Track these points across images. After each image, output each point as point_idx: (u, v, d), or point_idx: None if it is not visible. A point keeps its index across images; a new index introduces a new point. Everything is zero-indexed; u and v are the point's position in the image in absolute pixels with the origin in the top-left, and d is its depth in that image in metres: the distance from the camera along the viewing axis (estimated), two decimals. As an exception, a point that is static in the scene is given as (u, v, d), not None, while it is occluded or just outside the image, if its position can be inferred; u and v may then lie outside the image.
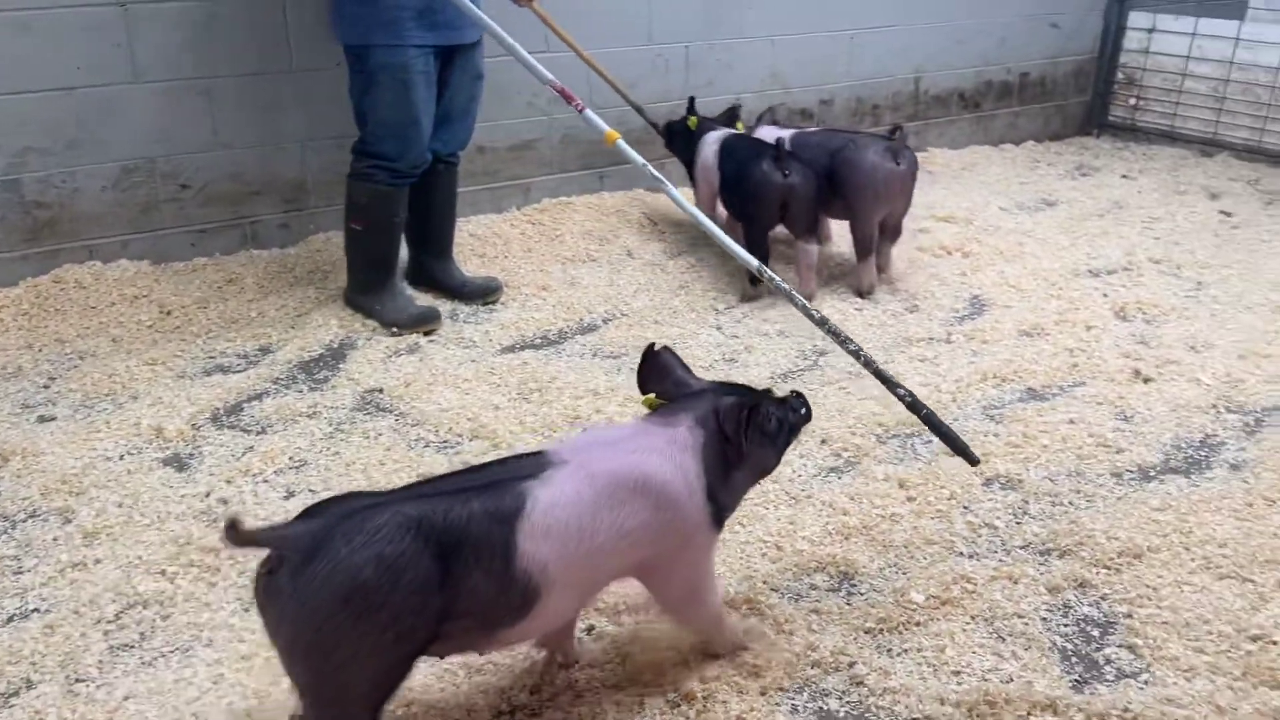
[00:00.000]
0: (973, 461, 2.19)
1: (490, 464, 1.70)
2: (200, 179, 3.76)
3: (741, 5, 4.76)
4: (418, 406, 2.91)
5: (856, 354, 2.32)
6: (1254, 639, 2.01)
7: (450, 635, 1.54)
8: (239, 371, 3.11)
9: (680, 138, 4.25)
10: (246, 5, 3.67)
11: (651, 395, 1.84)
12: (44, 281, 3.49)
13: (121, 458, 2.64)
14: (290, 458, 2.67)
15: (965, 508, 2.46)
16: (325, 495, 2.41)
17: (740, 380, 2.23)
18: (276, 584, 1.45)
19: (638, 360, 1.87)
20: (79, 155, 3.54)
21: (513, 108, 4.33)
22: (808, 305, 2.46)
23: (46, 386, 2.99)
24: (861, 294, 3.72)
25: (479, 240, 4.15)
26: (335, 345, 3.31)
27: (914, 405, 2.22)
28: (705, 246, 4.20)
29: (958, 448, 2.17)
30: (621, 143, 3.06)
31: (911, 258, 4.06)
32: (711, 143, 3.98)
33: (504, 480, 1.59)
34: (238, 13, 3.66)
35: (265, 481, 2.56)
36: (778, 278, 2.57)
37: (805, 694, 1.90)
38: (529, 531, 1.55)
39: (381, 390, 3.01)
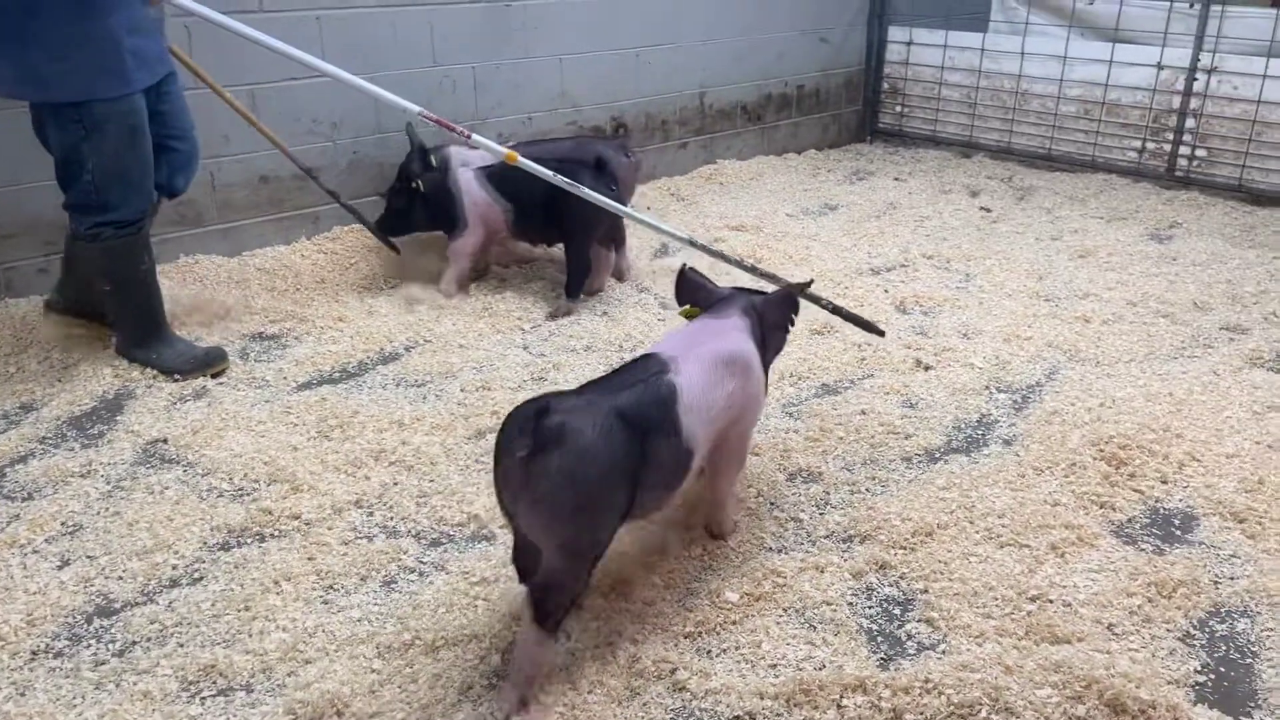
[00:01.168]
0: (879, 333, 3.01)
1: (624, 370, 2.08)
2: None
3: (527, 26, 4.77)
4: (208, 454, 2.73)
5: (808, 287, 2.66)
6: (1033, 599, 2.19)
7: (641, 502, 1.96)
8: (-3, 434, 2.83)
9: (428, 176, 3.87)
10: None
11: (688, 306, 2.41)
12: None
13: None
14: (63, 523, 2.44)
15: (772, 504, 2.55)
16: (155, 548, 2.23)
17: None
18: (544, 465, 1.78)
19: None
20: None
21: (296, 134, 4.16)
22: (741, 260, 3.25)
23: None
24: (593, 291, 3.95)
25: (267, 274, 3.96)
26: (110, 396, 3.06)
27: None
28: (506, 267, 4.19)
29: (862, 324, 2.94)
30: (523, 160, 3.27)
31: (709, 265, 4.18)
32: (472, 175, 3.83)
33: (652, 375, 2.02)
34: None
35: (35, 552, 2.33)
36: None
37: (633, 705, 1.91)
38: (684, 410, 2.01)
39: (166, 440, 2.81)
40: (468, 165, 3.85)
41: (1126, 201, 5.18)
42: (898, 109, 6.46)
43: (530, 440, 1.77)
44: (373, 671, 1.97)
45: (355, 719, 1.86)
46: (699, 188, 5.45)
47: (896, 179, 5.69)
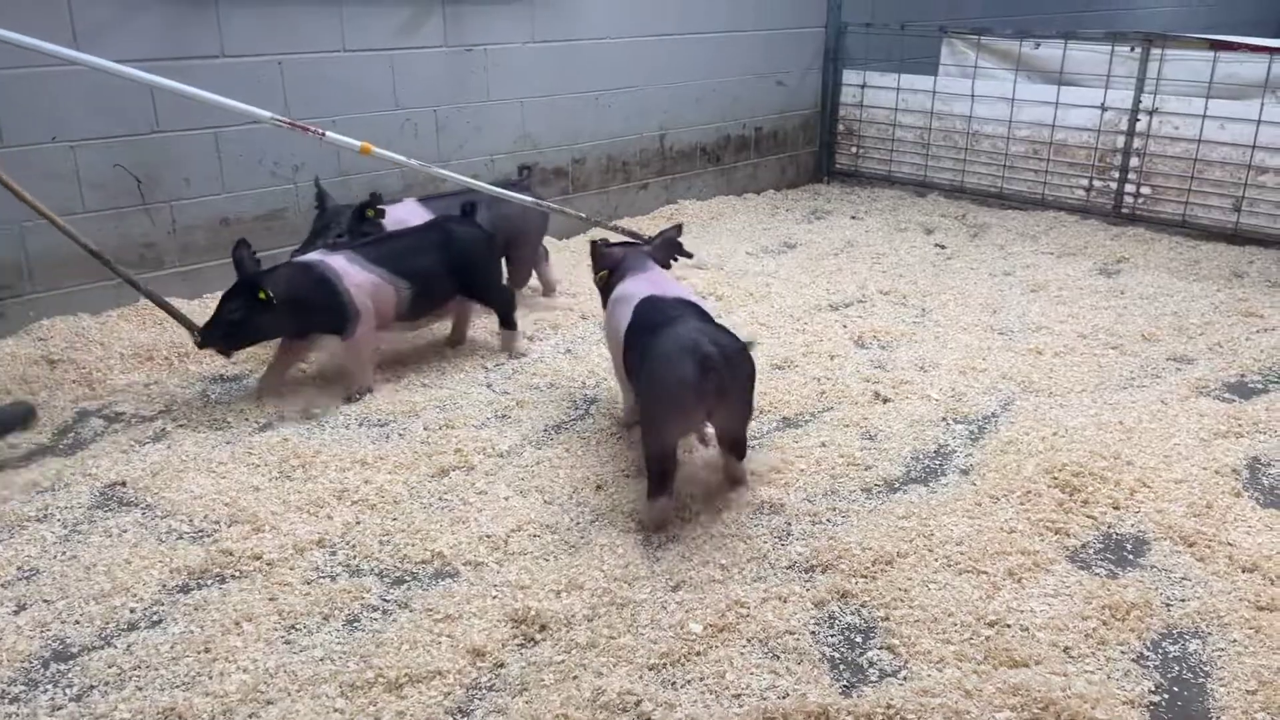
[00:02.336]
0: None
1: (683, 307, 2.75)
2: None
3: (489, 68, 4.85)
4: (167, 496, 2.71)
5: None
6: (990, 624, 2.23)
7: None
8: (-50, 479, 2.78)
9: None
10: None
11: (603, 272, 3.08)
12: None
13: None
14: (19, 568, 2.41)
15: (735, 536, 2.57)
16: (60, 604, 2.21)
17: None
18: (741, 359, 2.61)
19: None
20: None
21: (258, 177, 4.18)
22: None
23: None
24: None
25: (229, 316, 3.94)
26: (68, 440, 3.03)
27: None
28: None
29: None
30: (377, 150, 3.36)
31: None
32: (344, 260, 3.32)
33: (689, 309, 2.76)
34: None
35: (-12, 598, 2.30)
36: None
37: (596, 739, 1.91)
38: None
39: (124, 483, 2.78)
40: (334, 255, 3.31)
41: (1075, 238, 5.32)
42: (853, 149, 6.61)
43: (748, 358, 2.63)
44: (335, 710, 1.96)
45: (318, 759, 1.84)
46: (660, 228, 5.50)
47: (853, 217, 5.81)
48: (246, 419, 3.19)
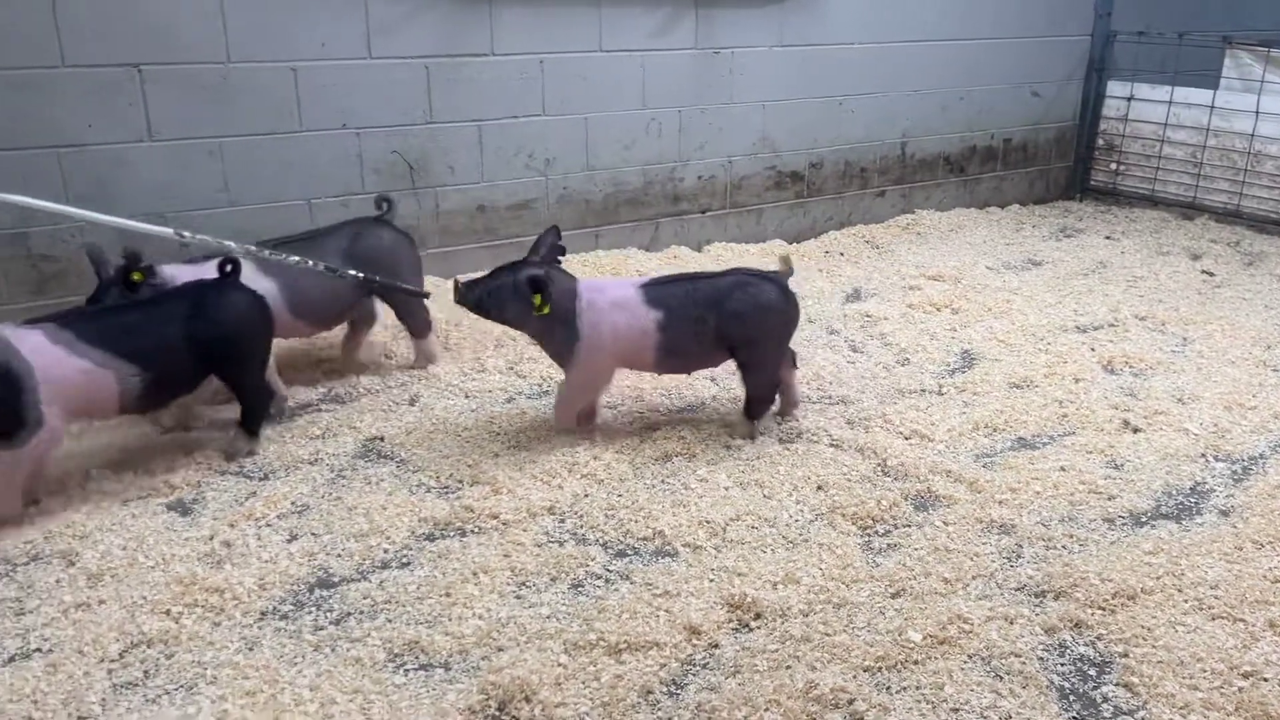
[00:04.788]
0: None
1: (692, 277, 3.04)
2: (205, 234, 3.83)
3: (734, 70, 4.92)
4: (418, 454, 2.94)
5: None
6: (1246, 675, 2.04)
7: None
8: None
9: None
10: (253, 70, 3.80)
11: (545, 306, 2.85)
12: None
13: (125, 504, 2.67)
14: (293, 503, 2.69)
15: (960, 550, 2.49)
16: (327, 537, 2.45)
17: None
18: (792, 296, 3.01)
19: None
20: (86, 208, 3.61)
21: (513, 168, 4.45)
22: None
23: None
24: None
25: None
26: (332, 395, 3.36)
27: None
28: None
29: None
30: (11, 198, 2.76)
31: (903, 313, 4.16)
32: (41, 341, 2.52)
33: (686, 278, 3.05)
34: (246, 78, 3.79)
35: (268, 525, 2.58)
36: None
37: (806, 731, 1.91)
38: None
39: (383, 439, 3.05)
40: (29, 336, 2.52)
41: (1374, 272, 4.75)
42: (1112, 166, 6.19)
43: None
44: (559, 665, 2.06)
45: (542, 706, 1.95)
46: (895, 236, 5.40)
47: (1108, 237, 5.44)
48: (490, 392, 3.41)
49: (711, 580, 2.35)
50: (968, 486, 2.79)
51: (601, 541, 2.54)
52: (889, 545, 2.53)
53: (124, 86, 3.60)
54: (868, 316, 4.13)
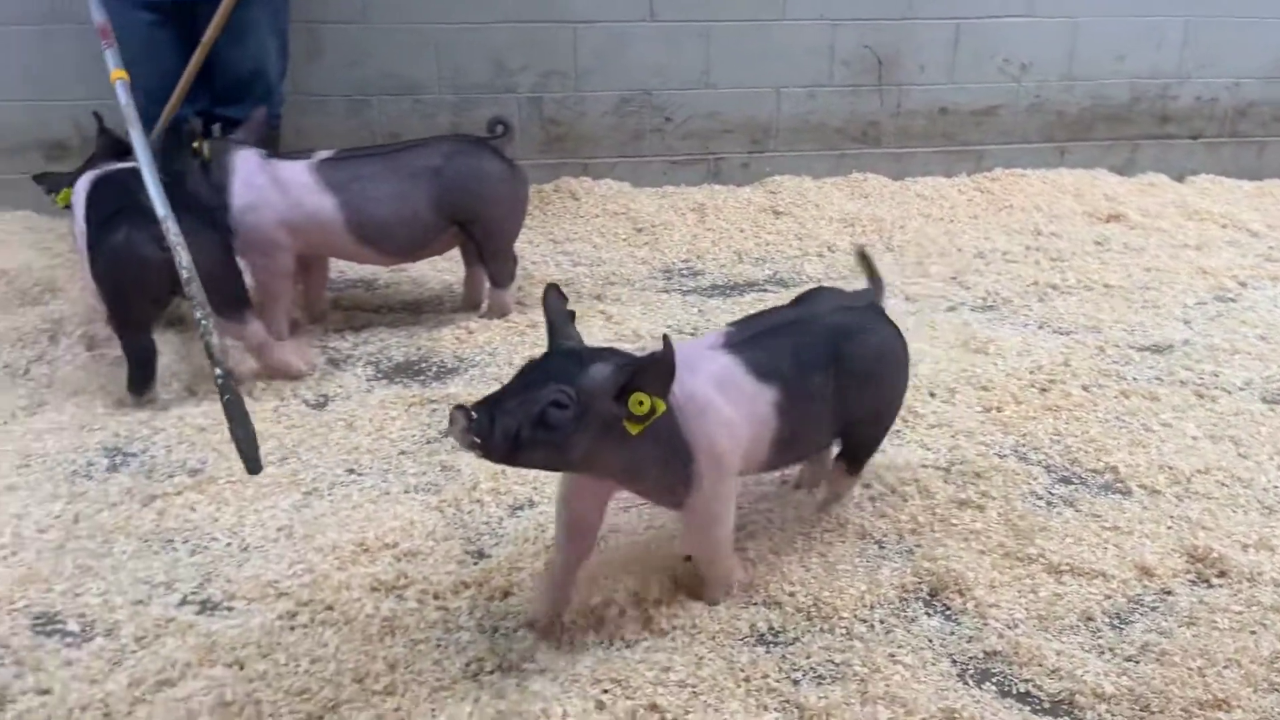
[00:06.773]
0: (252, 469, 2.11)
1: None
2: (682, 114, 4.13)
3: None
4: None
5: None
6: None
7: None
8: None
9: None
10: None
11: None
12: (546, 189, 4.05)
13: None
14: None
15: None
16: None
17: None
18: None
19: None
20: (588, 83, 4.03)
21: (985, 71, 4.26)
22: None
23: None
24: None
25: (925, 200, 4.17)
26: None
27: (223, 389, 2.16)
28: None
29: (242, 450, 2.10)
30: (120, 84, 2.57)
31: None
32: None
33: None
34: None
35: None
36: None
37: None
38: None
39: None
40: None
41: None
42: None
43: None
44: (994, 569, 2.07)
45: (975, 603, 1.97)
46: None
47: None
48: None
49: (1170, 527, 2.20)
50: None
51: (1045, 464, 2.46)
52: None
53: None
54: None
